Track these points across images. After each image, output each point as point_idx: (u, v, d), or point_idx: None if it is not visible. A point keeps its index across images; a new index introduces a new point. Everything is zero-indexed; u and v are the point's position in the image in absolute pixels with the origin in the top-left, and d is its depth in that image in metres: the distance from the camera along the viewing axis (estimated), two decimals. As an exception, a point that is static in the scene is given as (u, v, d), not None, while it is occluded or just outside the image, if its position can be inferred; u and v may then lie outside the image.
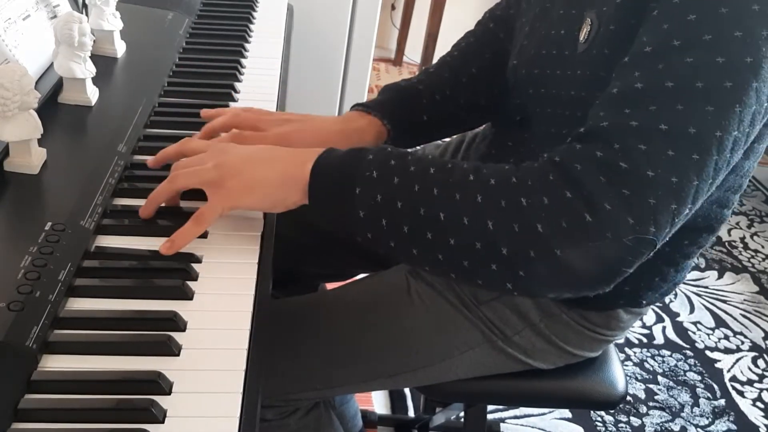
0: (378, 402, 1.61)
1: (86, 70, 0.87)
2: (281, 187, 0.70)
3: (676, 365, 1.83)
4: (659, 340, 1.92)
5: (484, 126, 1.04)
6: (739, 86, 0.58)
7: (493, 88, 0.95)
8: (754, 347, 1.95)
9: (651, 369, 1.81)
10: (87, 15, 0.98)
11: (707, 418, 1.68)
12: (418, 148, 1.07)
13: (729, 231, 2.47)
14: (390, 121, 0.90)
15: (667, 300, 2.08)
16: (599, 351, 0.95)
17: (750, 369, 1.87)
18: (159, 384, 0.55)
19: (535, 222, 0.59)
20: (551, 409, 1.64)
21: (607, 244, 0.58)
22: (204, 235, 0.73)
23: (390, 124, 0.90)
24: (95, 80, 0.89)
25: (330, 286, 1.13)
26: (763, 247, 2.42)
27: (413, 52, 3.16)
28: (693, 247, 0.82)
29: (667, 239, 0.62)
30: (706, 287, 2.17)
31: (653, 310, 2.02)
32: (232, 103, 1.00)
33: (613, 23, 0.68)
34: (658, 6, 0.63)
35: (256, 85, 1.07)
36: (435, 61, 1.01)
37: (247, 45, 1.18)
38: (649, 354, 1.86)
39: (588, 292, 0.63)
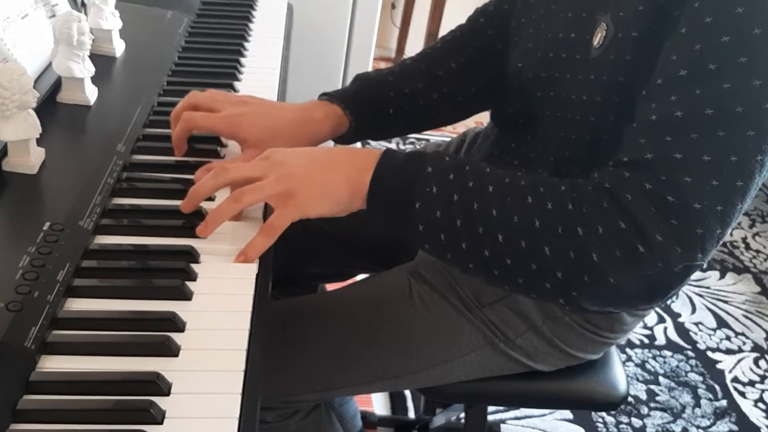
0: (378, 403, 1.61)
1: (85, 69, 0.86)
2: (347, 193, 0.70)
3: (677, 366, 1.83)
4: (661, 340, 1.91)
5: (485, 126, 1.04)
6: None
7: (471, 86, 0.94)
8: (756, 348, 1.94)
9: (652, 370, 1.80)
10: (86, 14, 0.97)
11: (708, 419, 1.68)
12: (418, 148, 1.07)
13: (730, 231, 2.47)
14: (353, 112, 0.89)
15: (668, 300, 2.08)
16: (601, 353, 0.95)
17: (752, 370, 1.86)
18: (158, 385, 0.55)
19: (591, 251, 0.61)
20: (552, 410, 1.63)
21: (658, 272, 0.60)
22: (204, 235, 0.73)
23: (352, 116, 0.89)
24: (94, 79, 0.89)
25: (330, 286, 1.13)
26: (764, 247, 2.41)
27: (413, 52, 3.13)
28: None
29: None
30: (708, 288, 2.16)
31: (655, 310, 2.02)
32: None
33: (635, 30, 0.68)
34: (686, 22, 0.63)
35: (256, 85, 1.06)
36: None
37: (246, 44, 1.18)
38: (650, 355, 1.86)
39: (634, 309, 0.68)
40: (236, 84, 1.04)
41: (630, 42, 0.69)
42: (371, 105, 0.91)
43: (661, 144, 0.61)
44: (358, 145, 1.27)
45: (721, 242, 0.63)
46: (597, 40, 0.72)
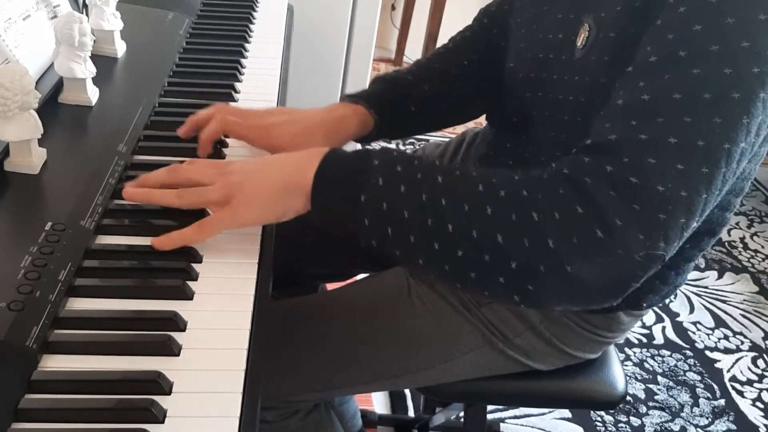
0: (378, 402, 1.61)
1: (86, 70, 0.87)
2: (282, 196, 0.69)
3: (675, 365, 1.84)
4: (659, 340, 1.92)
5: (483, 126, 1.04)
6: (746, 97, 0.58)
7: (483, 82, 0.95)
8: (754, 347, 1.95)
9: (651, 369, 1.81)
10: (87, 15, 0.97)
11: (707, 418, 1.68)
12: (417, 148, 1.07)
13: (729, 231, 2.47)
14: (376, 110, 0.89)
15: (666, 300, 2.08)
16: (599, 352, 0.95)
17: (750, 369, 1.87)
18: (159, 384, 0.55)
19: (546, 237, 0.58)
20: (551, 409, 1.64)
21: (617, 259, 0.57)
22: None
23: (377, 114, 0.89)
24: (95, 80, 0.89)
25: (330, 286, 1.13)
26: (762, 247, 2.42)
27: (413, 52, 3.16)
28: (694, 250, 0.82)
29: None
30: (706, 287, 2.17)
31: (653, 310, 2.02)
32: (232, 104, 1.00)
33: (613, 30, 0.68)
34: (662, 15, 0.62)
35: (256, 86, 1.07)
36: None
37: (247, 45, 1.18)
38: (648, 354, 1.86)
39: (595, 306, 0.62)
40: (237, 85, 1.05)
41: (608, 43, 0.68)
42: (394, 103, 0.91)
43: (626, 127, 0.59)
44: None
45: (687, 235, 0.60)
46: (580, 40, 0.71)
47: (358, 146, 1.20)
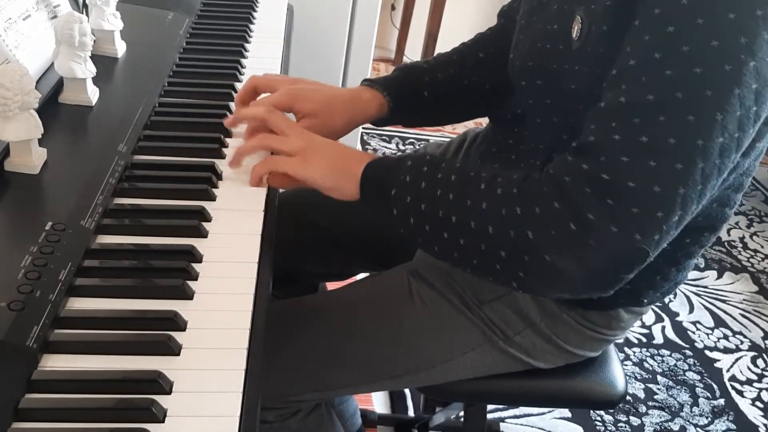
0: (378, 401, 1.61)
1: (87, 70, 0.87)
2: (340, 173, 0.79)
3: (675, 365, 1.84)
4: (659, 339, 1.92)
5: (484, 127, 1.05)
6: (719, 94, 0.60)
7: (496, 77, 0.98)
8: (754, 347, 1.95)
9: (650, 369, 1.81)
10: (87, 15, 0.98)
11: (707, 418, 1.68)
12: (419, 148, 1.07)
13: (728, 231, 2.48)
14: (390, 94, 0.95)
15: (666, 300, 2.08)
16: (599, 351, 0.95)
17: (749, 368, 1.87)
18: (159, 383, 0.56)
19: (527, 230, 0.64)
20: (551, 409, 1.64)
21: (591, 251, 0.61)
22: (204, 235, 0.73)
23: (390, 97, 0.95)
24: (96, 80, 0.89)
25: (330, 286, 1.14)
26: (762, 246, 2.42)
27: (413, 52, 3.16)
28: (695, 246, 0.82)
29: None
30: (706, 287, 2.17)
31: (653, 309, 2.03)
32: (231, 104, 1.00)
33: (605, 24, 0.69)
34: (638, 16, 0.64)
35: (256, 85, 1.07)
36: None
37: (247, 45, 1.18)
38: (648, 354, 1.86)
39: (588, 295, 0.67)
40: (237, 85, 1.05)
41: (602, 36, 0.70)
42: (408, 89, 0.97)
43: (606, 128, 0.63)
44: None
45: (672, 230, 0.62)
46: (575, 32, 0.73)
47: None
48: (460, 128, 2.83)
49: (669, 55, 0.61)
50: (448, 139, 1.14)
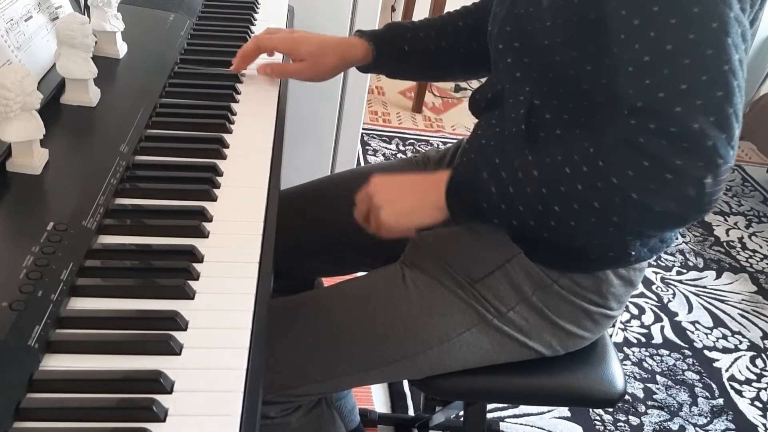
0: (378, 401, 1.62)
1: (88, 71, 0.87)
2: (422, 208, 0.84)
3: (674, 365, 1.84)
4: (658, 339, 1.92)
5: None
6: (721, 22, 0.68)
7: (472, 42, 1.09)
8: (752, 347, 1.95)
9: (649, 368, 1.81)
10: (89, 16, 0.98)
11: (706, 417, 1.69)
12: (418, 147, 1.08)
13: (727, 231, 2.48)
14: (375, 44, 1.08)
15: (665, 300, 2.08)
16: (595, 332, 0.95)
17: (748, 368, 1.87)
18: (160, 383, 0.56)
19: (630, 192, 0.71)
20: (550, 408, 1.64)
21: (691, 187, 0.69)
22: (206, 235, 0.74)
23: (375, 47, 1.08)
24: (97, 81, 0.90)
25: (327, 282, 1.14)
26: (761, 247, 2.42)
27: (413, 52, 3.17)
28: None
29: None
30: (705, 287, 2.17)
31: (652, 309, 2.03)
32: (232, 104, 1.00)
33: None
34: None
35: (257, 87, 1.07)
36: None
37: (247, 46, 1.19)
38: (647, 353, 1.87)
39: (691, 222, 0.75)
40: (238, 85, 1.05)
41: None
42: (391, 43, 1.10)
43: (644, 89, 0.71)
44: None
45: (736, 129, 0.70)
46: None
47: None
48: (460, 129, 2.84)
49: (666, 5, 0.69)
50: (448, 143, 1.15)
